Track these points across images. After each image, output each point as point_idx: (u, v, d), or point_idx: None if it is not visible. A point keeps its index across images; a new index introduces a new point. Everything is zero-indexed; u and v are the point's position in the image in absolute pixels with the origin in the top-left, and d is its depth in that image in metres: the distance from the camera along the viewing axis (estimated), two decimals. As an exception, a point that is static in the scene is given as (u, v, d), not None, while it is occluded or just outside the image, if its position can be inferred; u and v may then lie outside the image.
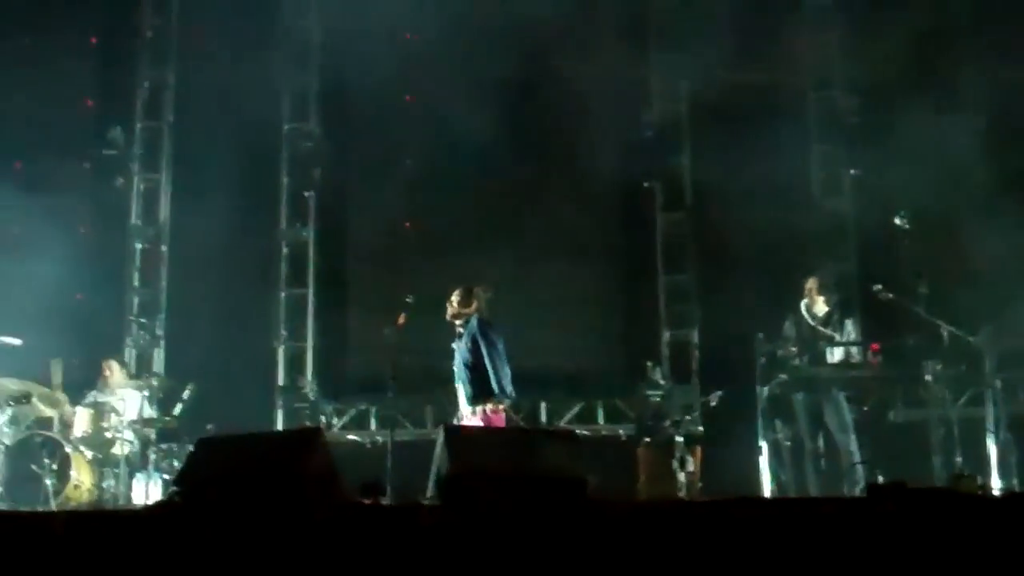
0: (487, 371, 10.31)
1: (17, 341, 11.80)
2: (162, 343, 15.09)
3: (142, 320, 14.63)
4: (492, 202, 14.83)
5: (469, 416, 10.33)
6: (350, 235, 15.57)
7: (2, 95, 14.92)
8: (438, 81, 14.99)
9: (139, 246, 15.46)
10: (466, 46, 14.57)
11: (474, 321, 10.55)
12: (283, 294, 15.21)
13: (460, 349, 10.56)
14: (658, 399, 13.21)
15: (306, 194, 15.41)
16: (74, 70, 15.05)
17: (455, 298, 10.69)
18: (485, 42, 14.29)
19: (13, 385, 11.93)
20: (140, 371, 13.37)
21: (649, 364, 13.61)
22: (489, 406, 10.23)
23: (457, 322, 10.68)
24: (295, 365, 15.11)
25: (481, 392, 10.29)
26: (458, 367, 10.55)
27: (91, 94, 15.44)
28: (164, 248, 15.39)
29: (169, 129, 15.74)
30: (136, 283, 15.39)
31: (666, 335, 14.44)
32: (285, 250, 15.35)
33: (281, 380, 15.01)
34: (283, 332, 15.11)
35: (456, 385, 10.57)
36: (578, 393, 14.58)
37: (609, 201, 15.11)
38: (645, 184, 14.83)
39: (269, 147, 15.39)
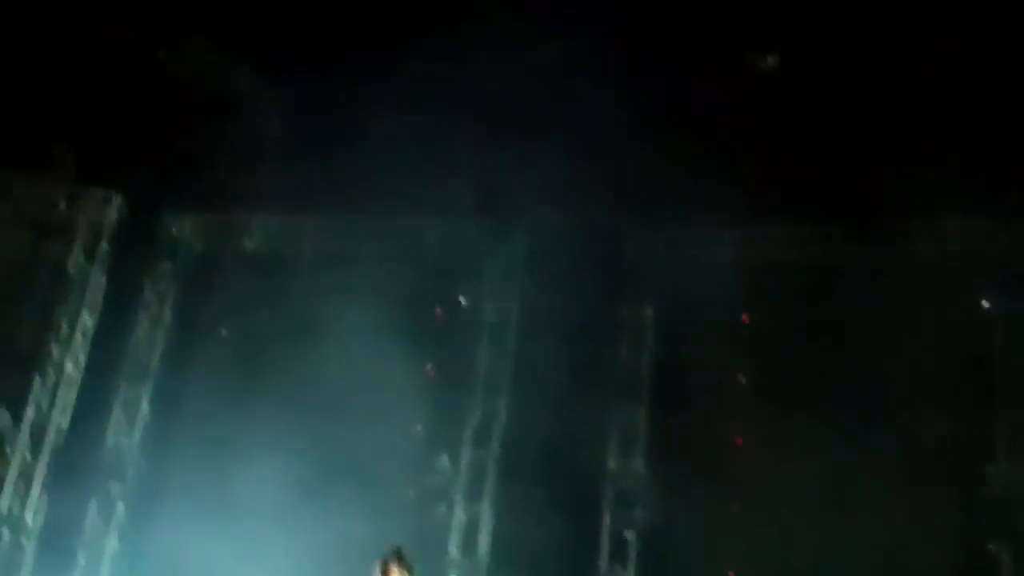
0: None
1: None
2: None
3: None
4: (819, 569, 14.19)
5: None
6: (672, 580, 15.07)
7: (336, 419, 15.25)
8: (769, 423, 14.65)
9: (456, 578, 15.37)
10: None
11: None
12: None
13: None
14: None
15: (626, 534, 15.00)
16: (408, 395, 15.27)
17: (398, 572, 9.93)
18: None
19: None
20: None
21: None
22: None
23: None
24: None
25: None
26: None
27: (421, 420, 15.62)
28: (482, 581, 15.20)
29: (495, 460, 15.76)
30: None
31: None
32: (606, 592, 14.96)
33: None
34: None
35: None
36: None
37: (947, 568, 14.16)
38: (990, 546, 13.78)
39: (592, 483, 15.23)
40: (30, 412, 15.67)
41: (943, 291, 15.04)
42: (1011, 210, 14.88)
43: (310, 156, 16.95)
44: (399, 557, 9.91)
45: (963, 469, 14.28)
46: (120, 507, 15.64)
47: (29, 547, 15.17)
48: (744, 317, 15.65)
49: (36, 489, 15.42)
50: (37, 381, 15.85)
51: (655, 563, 15.04)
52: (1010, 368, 14.58)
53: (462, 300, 16.36)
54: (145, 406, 16.30)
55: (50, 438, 15.74)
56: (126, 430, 16.12)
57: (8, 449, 15.44)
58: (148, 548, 15.34)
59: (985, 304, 14.99)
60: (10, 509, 15.22)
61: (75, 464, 15.68)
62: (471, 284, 16.46)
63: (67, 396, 16.02)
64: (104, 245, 16.75)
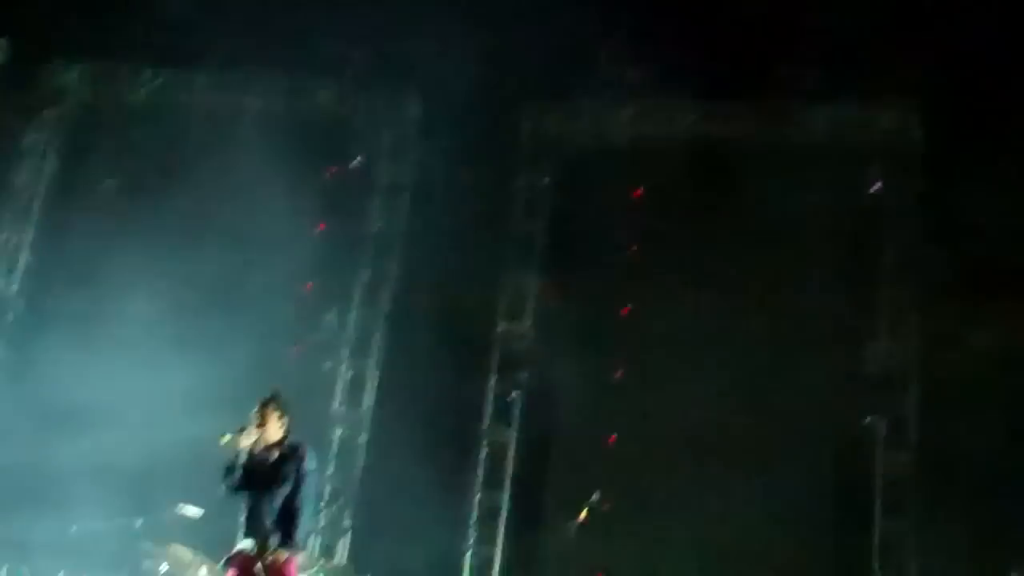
0: (299, 514, 9.04)
1: (198, 513, 11.50)
2: (348, 534, 14.70)
3: (332, 508, 14.26)
4: (698, 438, 14.28)
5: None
6: (552, 441, 15.15)
7: (225, 272, 15.02)
8: (657, 295, 14.84)
9: (339, 431, 15.23)
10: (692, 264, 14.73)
11: (310, 452, 9.29)
12: (477, 496, 14.77)
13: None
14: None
15: (511, 396, 15.07)
16: (298, 253, 15.07)
17: (277, 415, 9.30)
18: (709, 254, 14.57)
19: (186, 555, 11.63)
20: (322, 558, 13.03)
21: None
22: (291, 555, 8.99)
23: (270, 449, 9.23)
24: (482, 574, 14.54)
25: (289, 538, 8.98)
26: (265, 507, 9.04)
27: (312, 278, 15.46)
28: (363, 437, 15.10)
29: (385, 318, 15.67)
30: (331, 470, 15.06)
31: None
32: (485, 451, 14.98)
33: (466, 589, 14.45)
34: (472, 537, 14.62)
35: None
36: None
37: (824, 440, 14.40)
38: (866, 420, 14.10)
39: (480, 345, 15.29)
40: (-99, 258, 15.30)
41: (834, 174, 15.15)
42: (902, 95, 15.02)
43: (202, 8, 16.50)
44: (276, 400, 9.69)
45: (845, 346, 14.49)
46: (-1, 350, 15.40)
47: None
48: (637, 191, 15.67)
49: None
50: (-90, 228, 15.49)
51: (537, 425, 15.15)
52: (895, 251, 14.77)
53: (357, 160, 16.11)
54: (26, 253, 15.95)
55: (-77, 283, 15.40)
56: (5, 275, 15.80)
57: None
58: (25, 389, 15.06)
59: (873, 188, 15.15)
60: None
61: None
62: (366, 146, 16.25)
63: (-58, 242, 15.64)
64: (-15, 90, 16.25)
